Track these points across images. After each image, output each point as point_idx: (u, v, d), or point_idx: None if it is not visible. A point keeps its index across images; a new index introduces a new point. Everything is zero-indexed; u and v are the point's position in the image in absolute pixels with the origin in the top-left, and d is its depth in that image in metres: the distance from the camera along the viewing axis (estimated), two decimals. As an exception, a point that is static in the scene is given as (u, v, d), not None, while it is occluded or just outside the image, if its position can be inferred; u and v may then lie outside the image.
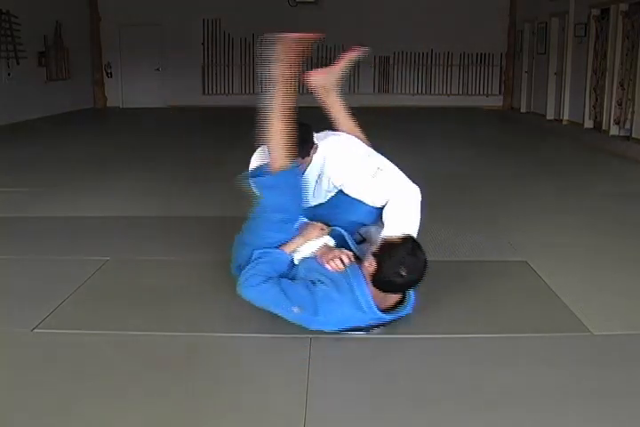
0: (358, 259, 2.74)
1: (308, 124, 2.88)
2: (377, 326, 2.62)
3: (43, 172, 6.26)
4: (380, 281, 2.51)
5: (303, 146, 2.82)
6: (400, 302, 2.64)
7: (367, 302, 2.53)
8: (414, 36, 13.64)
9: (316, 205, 3.09)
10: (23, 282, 3.23)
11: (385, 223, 2.85)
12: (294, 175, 2.79)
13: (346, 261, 2.69)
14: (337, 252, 2.73)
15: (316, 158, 2.93)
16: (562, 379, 2.30)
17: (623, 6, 8.71)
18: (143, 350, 2.53)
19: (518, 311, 2.89)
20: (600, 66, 9.46)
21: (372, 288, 2.55)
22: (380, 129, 9.83)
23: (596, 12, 9.65)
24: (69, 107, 12.59)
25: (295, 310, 2.56)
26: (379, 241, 2.63)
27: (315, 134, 2.96)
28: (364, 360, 2.47)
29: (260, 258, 2.74)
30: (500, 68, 14.09)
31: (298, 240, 2.81)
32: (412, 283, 2.54)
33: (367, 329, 2.61)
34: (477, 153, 7.55)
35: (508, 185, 5.71)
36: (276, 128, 2.68)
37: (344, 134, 3.08)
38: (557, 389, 2.23)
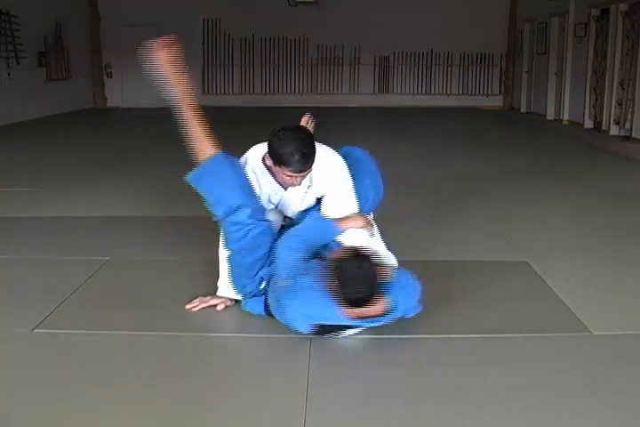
0: None
1: (307, 129, 2.85)
2: (350, 328, 2.59)
3: (43, 172, 6.26)
4: (343, 301, 2.48)
5: (314, 149, 2.74)
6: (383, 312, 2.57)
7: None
8: (414, 36, 13.64)
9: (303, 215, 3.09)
10: (23, 282, 3.23)
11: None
12: (225, 159, 2.77)
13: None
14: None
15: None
16: (562, 379, 2.30)
17: (623, 6, 8.72)
18: (143, 350, 2.53)
19: (518, 311, 2.89)
20: (600, 66, 9.46)
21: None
22: (380, 129, 9.86)
23: (595, 12, 9.65)
24: (69, 107, 12.59)
25: (284, 283, 2.58)
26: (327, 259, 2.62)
27: None
28: (363, 360, 2.47)
29: (309, 225, 2.83)
30: (500, 68, 14.09)
31: (349, 221, 2.84)
32: (367, 295, 2.46)
33: (338, 331, 2.58)
34: (477, 153, 7.55)
35: (507, 185, 5.71)
36: (191, 125, 2.85)
37: (327, 148, 3.03)
38: (557, 389, 2.23)
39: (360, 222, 2.87)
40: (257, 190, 2.84)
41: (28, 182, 5.71)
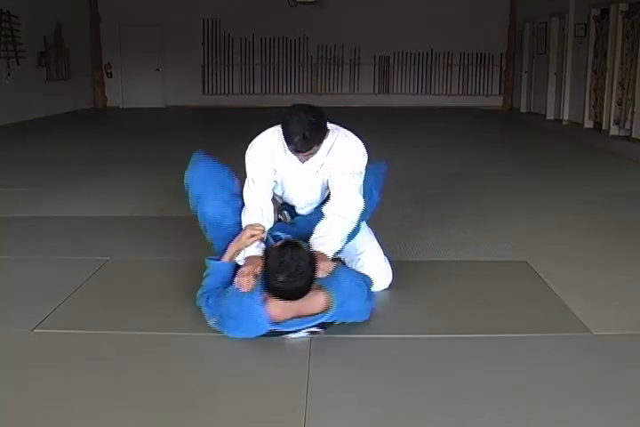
0: None
1: (322, 110, 2.83)
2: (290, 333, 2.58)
3: (42, 172, 6.26)
4: (270, 290, 2.49)
5: (320, 133, 2.76)
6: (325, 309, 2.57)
7: (259, 315, 2.50)
8: (414, 36, 13.65)
9: (309, 214, 3.10)
10: (23, 282, 3.23)
11: (317, 238, 2.84)
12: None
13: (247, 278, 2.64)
14: (245, 269, 2.68)
15: (325, 146, 2.87)
16: (562, 379, 2.30)
17: (623, 6, 8.72)
18: (143, 350, 2.53)
19: (518, 311, 2.89)
20: (600, 66, 9.46)
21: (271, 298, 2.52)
22: (380, 129, 9.85)
23: (595, 12, 9.66)
24: (69, 107, 12.60)
25: (212, 321, 2.61)
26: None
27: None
28: (363, 360, 2.47)
29: (207, 270, 2.82)
30: (500, 68, 14.10)
31: (232, 247, 2.81)
32: (294, 287, 2.45)
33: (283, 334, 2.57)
34: (477, 153, 7.56)
35: (507, 185, 5.71)
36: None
37: (351, 133, 3.04)
38: (557, 389, 2.23)
39: (243, 239, 2.81)
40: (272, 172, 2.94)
41: (28, 182, 5.71)
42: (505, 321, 2.79)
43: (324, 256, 2.73)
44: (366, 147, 2.99)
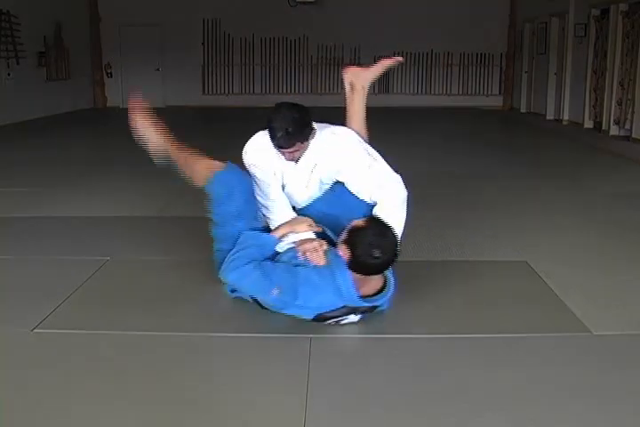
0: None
1: (306, 108, 2.86)
2: (352, 313, 2.64)
3: (42, 172, 6.26)
4: (357, 265, 2.56)
5: (303, 129, 2.79)
6: (380, 291, 2.67)
7: (347, 287, 2.57)
8: (414, 36, 13.65)
9: (313, 203, 3.10)
10: (23, 282, 3.22)
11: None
12: (232, 175, 2.88)
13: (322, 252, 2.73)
14: (316, 243, 2.77)
15: (314, 146, 2.90)
16: (562, 379, 2.30)
17: (623, 6, 8.72)
18: (143, 350, 2.53)
19: (518, 311, 2.89)
20: (600, 66, 9.46)
21: (352, 273, 2.58)
22: (380, 129, 9.84)
23: (595, 12, 9.65)
24: (69, 107, 12.60)
25: (275, 291, 2.60)
26: (346, 228, 2.65)
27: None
28: (364, 360, 2.47)
29: (247, 241, 2.80)
30: (500, 68, 14.10)
31: (286, 227, 2.87)
32: (388, 262, 2.57)
33: (341, 317, 2.63)
34: (477, 153, 7.56)
35: (507, 185, 5.71)
36: (185, 159, 3.02)
37: (341, 127, 3.07)
38: (557, 389, 2.23)
39: (300, 226, 2.88)
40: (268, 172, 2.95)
41: (28, 182, 5.71)
42: (505, 321, 2.79)
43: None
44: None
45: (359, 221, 2.62)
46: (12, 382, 2.27)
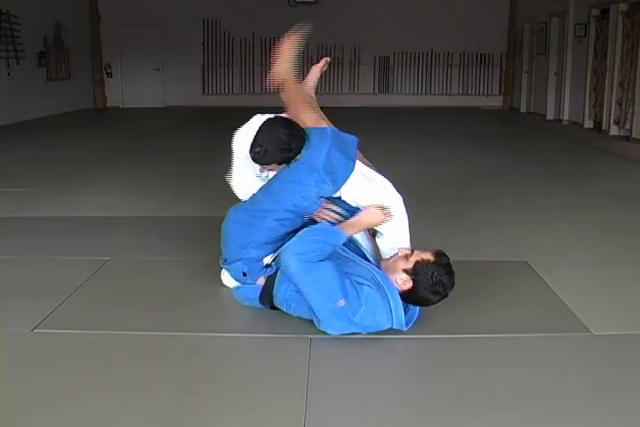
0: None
1: (300, 131, 2.80)
2: None
3: (42, 172, 6.26)
4: (413, 296, 2.56)
5: (283, 154, 2.75)
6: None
7: (399, 319, 2.54)
8: (414, 36, 13.64)
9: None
10: (23, 282, 3.23)
11: (387, 238, 2.82)
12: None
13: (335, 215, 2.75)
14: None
15: None
16: (561, 379, 2.30)
17: (623, 6, 8.71)
18: (143, 350, 2.53)
19: (518, 311, 2.89)
20: (600, 66, 9.46)
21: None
22: (380, 129, 9.85)
23: (595, 12, 9.65)
24: (69, 107, 12.59)
25: (342, 302, 2.46)
26: (411, 260, 2.57)
27: None
28: (363, 360, 2.47)
29: (316, 233, 2.61)
30: (500, 68, 14.10)
31: (359, 223, 2.73)
32: (443, 298, 2.59)
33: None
34: (477, 153, 7.55)
35: (507, 185, 5.71)
36: (296, 96, 2.96)
37: None
38: (557, 388, 2.23)
39: (377, 219, 2.75)
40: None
41: (28, 182, 5.70)
42: (504, 321, 2.79)
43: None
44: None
45: (427, 255, 2.58)
46: (11, 382, 2.27)
